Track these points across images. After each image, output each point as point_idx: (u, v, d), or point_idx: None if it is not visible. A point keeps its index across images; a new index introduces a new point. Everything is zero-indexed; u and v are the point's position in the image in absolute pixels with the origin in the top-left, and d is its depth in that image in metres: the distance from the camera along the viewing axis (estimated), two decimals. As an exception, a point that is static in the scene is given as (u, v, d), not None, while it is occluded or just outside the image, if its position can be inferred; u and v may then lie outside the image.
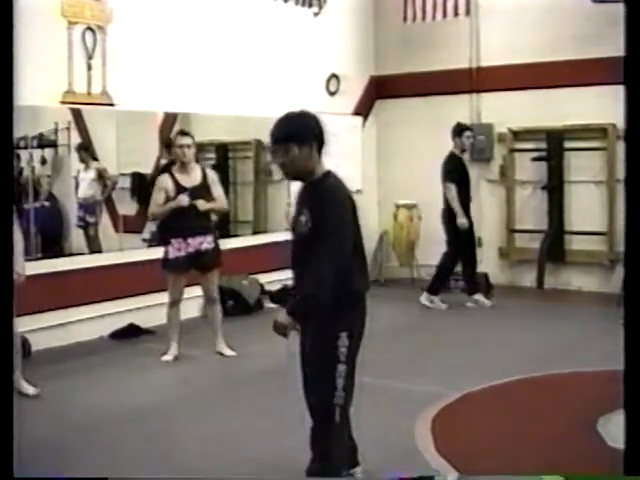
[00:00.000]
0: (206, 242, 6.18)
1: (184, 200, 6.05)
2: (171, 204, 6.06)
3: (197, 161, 6.44)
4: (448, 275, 8.47)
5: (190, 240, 6.11)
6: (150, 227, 7.76)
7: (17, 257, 5.48)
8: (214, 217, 6.59)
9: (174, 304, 6.30)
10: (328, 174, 3.48)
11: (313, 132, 3.45)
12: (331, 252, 3.32)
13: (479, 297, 8.32)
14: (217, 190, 6.28)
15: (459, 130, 8.28)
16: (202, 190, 6.15)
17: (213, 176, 6.32)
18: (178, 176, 6.16)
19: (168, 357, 6.27)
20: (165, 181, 6.16)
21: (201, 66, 7.92)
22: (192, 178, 6.18)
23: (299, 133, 3.41)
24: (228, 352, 6.40)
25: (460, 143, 8.26)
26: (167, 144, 7.57)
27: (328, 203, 3.39)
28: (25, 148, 7.09)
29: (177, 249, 6.12)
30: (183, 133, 6.28)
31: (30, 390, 5.30)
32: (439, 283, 8.35)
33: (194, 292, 7.70)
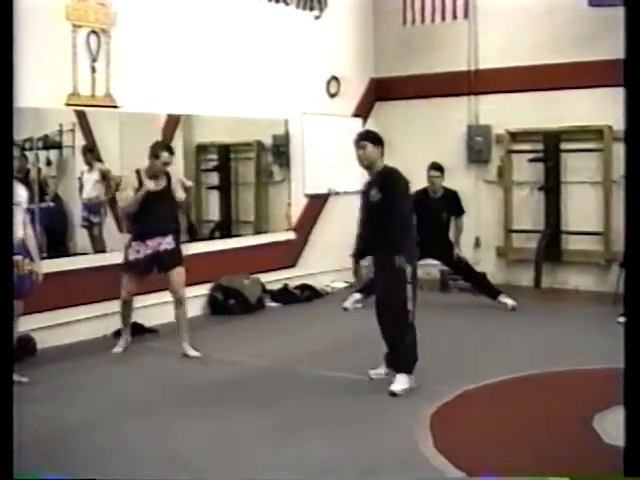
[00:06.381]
0: (165, 243, 6.29)
1: (150, 185, 6.21)
2: (143, 189, 6.20)
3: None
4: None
5: (149, 242, 6.27)
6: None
7: (35, 258, 5.58)
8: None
9: (126, 303, 6.50)
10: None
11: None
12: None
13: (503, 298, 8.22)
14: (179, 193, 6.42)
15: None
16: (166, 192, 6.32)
17: (176, 183, 6.44)
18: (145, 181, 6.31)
19: (118, 349, 6.55)
20: (132, 180, 6.33)
21: (203, 68, 8.00)
22: (157, 183, 6.33)
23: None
24: (192, 353, 6.42)
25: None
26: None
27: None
28: (30, 149, 7.16)
29: (136, 251, 6.30)
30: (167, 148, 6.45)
31: (23, 379, 5.38)
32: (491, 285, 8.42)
33: (197, 291, 7.82)
